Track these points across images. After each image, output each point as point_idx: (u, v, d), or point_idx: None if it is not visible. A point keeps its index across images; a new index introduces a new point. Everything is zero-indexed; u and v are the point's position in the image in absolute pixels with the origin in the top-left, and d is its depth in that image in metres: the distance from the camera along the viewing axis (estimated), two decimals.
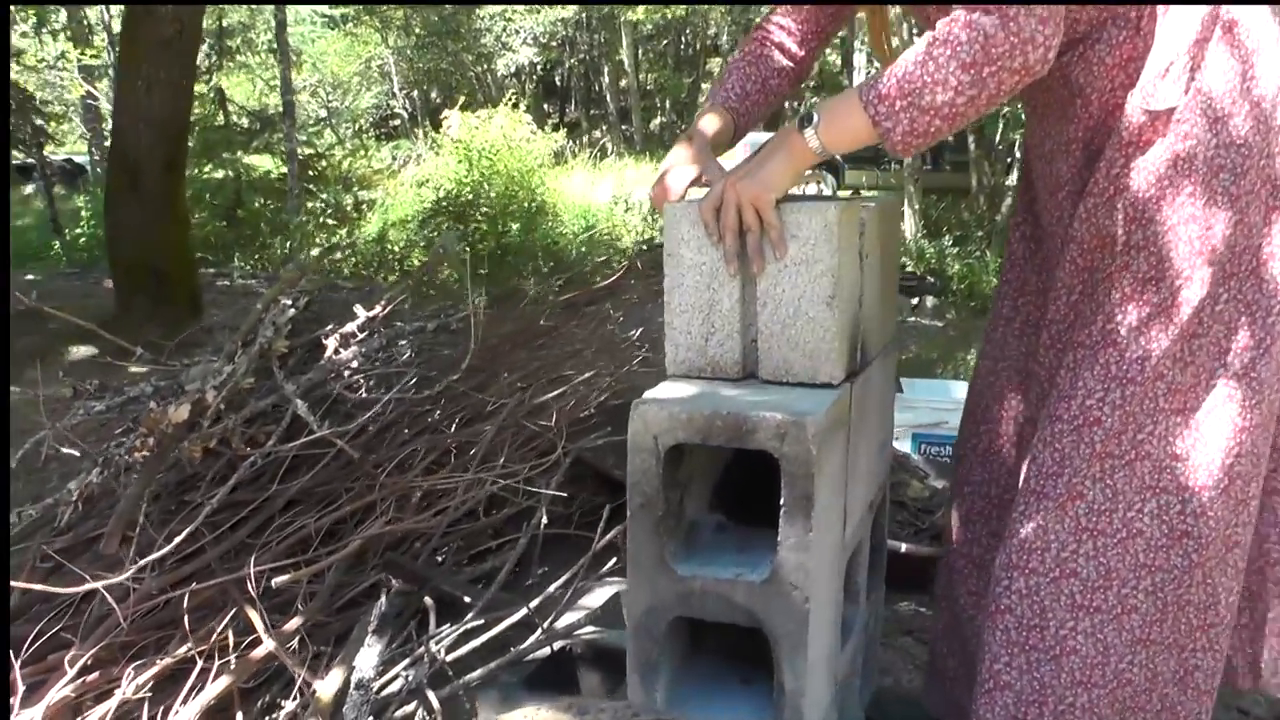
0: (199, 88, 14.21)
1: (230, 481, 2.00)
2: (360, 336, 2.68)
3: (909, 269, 13.03)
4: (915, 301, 10.17)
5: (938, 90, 1.37)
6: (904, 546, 2.66)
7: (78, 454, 2.04)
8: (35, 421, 2.15)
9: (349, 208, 14.43)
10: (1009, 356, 1.78)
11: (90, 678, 1.63)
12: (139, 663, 1.66)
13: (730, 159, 1.79)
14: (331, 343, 2.59)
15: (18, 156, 18.42)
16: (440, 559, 2.41)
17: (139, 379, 2.33)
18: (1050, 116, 1.64)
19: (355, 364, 2.57)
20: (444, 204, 12.09)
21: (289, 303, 2.51)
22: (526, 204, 12.38)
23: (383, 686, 1.88)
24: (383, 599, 1.88)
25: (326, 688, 1.77)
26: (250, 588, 1.80)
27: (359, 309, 2.81)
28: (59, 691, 1.55)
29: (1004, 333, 1.79)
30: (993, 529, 1.77)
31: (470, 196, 11.93)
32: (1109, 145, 1.49)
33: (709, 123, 1.81)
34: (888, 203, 1.89)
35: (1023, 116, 1.65)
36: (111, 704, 1.56)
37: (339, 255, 9.33)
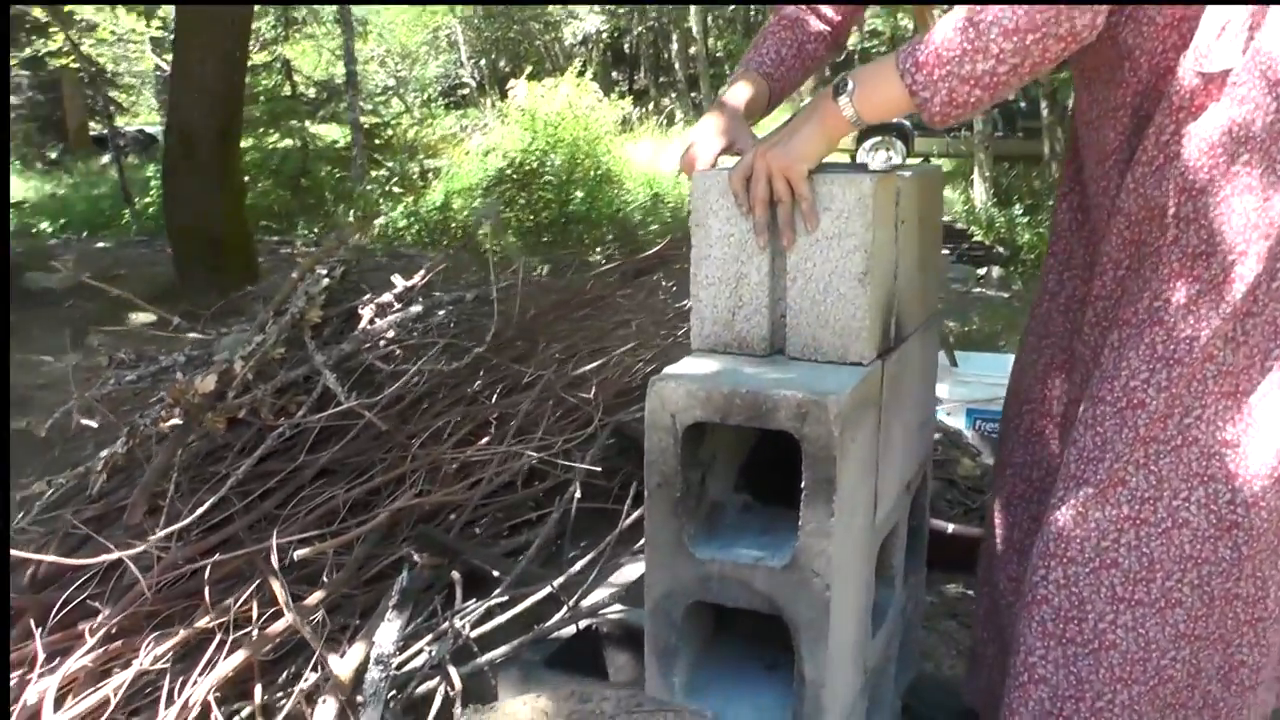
0: (263, 58, 14.40)
1: (257, 452, 1.99)
2: (397, 307, 2.65)
3: (977, 238, 12.75)
4: (982, 271, 9.92)
5: (978, 58, 1.29)
6: (951, 527, 2.57)
7: (105, 424, 2.04)
8: (72, 391, 2.16)
9: (414, 176, 14.47)
10: (1053, 334, 1.69)
11: (113, 646, 1.62)
12: (158, 633, 1.66)
13: (764, 127, 1.72)
14: (367, 312, 2.56)
15: (94, 128, 18.83)
16: (478, 530, 2.39)
17: (175, 348, 2.33)
18: (1098, 81, 1.54)
19: (391, 334, 2.54)
20: (508, 172, 12.07)
21: (324, 272, 2.48)
22: (591, 172, 12.31)
23: (405, 662, 1.86)
24: (404, 574, 1.86)
25: (346, 665, 1.75)
26: (274, 559, 1.78)
27: (397, 278, 2.78)
28: (77, 661, 1.55)
29: (1048, 308, 1.70)
30: (1034, 513, 1.69)
31: (534, 165, 11.88)
32: (1159, 111, 1.39)
33: (741, 90, 1.74)
34: (929, 171, 1.81)
35: None
36: (128, 674, 1.55)
37: (377, 225, 9.34)
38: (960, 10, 1.30)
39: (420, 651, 1.86)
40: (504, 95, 16.54)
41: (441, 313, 2.65)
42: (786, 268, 1.52)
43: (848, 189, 1.46)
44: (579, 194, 11.78)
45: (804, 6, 1.77)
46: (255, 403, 2.04)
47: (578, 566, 1.94)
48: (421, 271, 2.82)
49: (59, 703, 1.46)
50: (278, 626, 1.73)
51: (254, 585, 1.80)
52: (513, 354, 2.76)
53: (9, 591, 1.66)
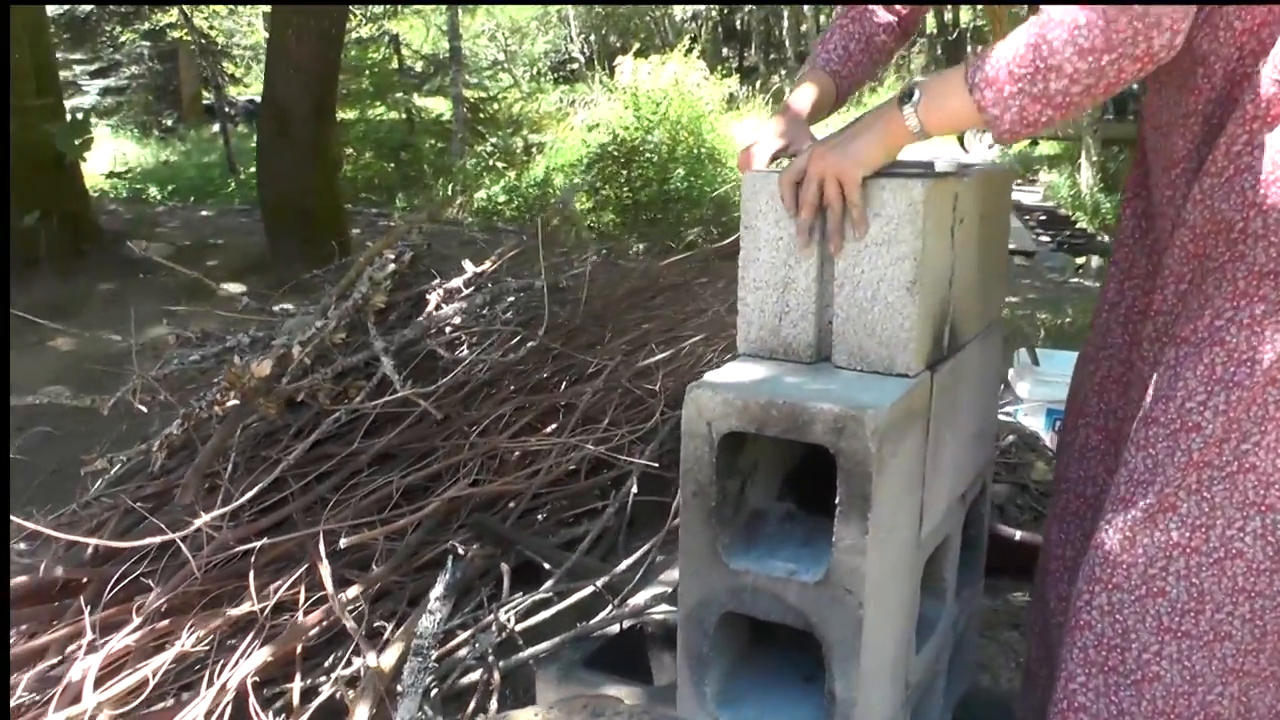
0: (370, 31, 14.63)
1: (312, 436, 2.02)
2: (465, 292, 2.66)
3: (1079, 225, 12.34)
4: (1081, 261, 9.58)
5: (1051, 77, 1.23)
6: (1018, 534, 2.50)
7: (167, 403, 2.09)
8: (146, 366, 2.22)
9: (518, 151, 14.56)
10: (1111, 345, 1.63)
11: (160, 625, 1.67)
12: (202, 614, 1.70)
13: (823, 129, 1.67)
14: (433, 298, 2.58)
15: (206, 97, 19.37)
16: (540, 519, 2.40)
17: (242, 327, 2.37)
18: (1169, 85, 1.45)
19: (457, 320, 2.55)
20: (610, 149, 12.05)
21: (390, 258, 2.50)
22: (694, 150, 12.22)
23: (449, 652, 1.87)
24: (449, 564, 1.86)
25: (387, 656, 1.77)
26: (321, 545, 1.81)
27: (467, 264, 2.79)
28: (121, 640, 1.60)
29: (1107, 319, 1.63)
30: (1086, 531, 1.62)
31: (636, 142, 11.85)
32: (1231, 120, 1.31)
33: (806, 92, 1.70)
34: (995, 171, 1.74)
35: None
36: (168, 656, 1.59)
37: (475, 200, 9.41)
38: (1033, 24, 1.24)
39: (465, 643, 1.88)
40: (611, 71, 16.56)
41: (510, 299, 2.65)
42: (835, 274, 1.47)
43: (898, 194, 1.41)
44: (680, 172, 11.71)
45: None
46: (313, 387, 2.07)
47: (624, 565, 1.93)
48: (492, 258, 2.82)
49: (99, 683, 1.51)
50: (319, 614, 1.76)
51: (302, 569, 1.83)
52: (581, 342, 2.75)
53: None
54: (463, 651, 1.87)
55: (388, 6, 15.43)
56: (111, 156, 14.34)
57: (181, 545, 1.73)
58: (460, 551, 1.90)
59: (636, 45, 15.58)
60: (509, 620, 1.91)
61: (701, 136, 12.58)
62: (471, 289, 2.69)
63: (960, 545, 1.82)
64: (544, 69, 23.71)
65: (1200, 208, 1.34)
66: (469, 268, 2.79)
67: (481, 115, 15.43)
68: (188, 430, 2.03)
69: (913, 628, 1.61)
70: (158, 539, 1.71)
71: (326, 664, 1.82)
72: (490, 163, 13.85)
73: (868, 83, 1.92)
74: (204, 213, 8.94)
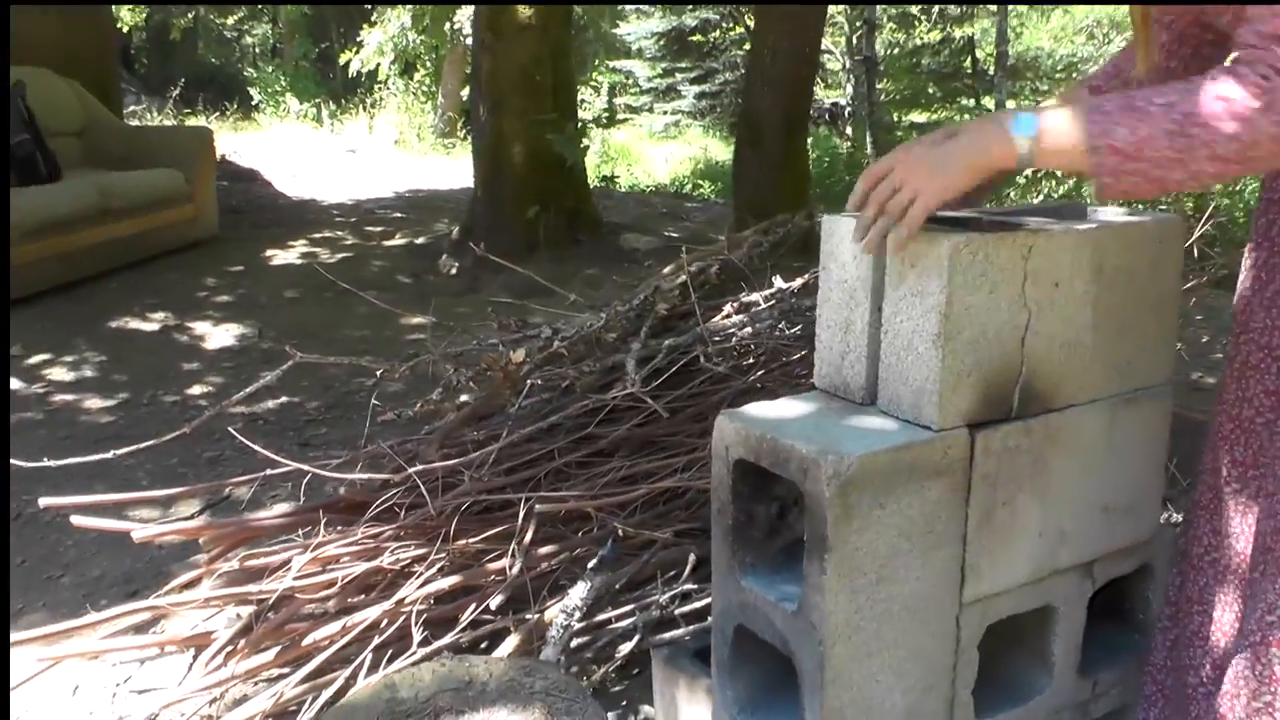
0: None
1: (550, 418, 2.36)
2: (762, 307, 2.85)
3: None
4: None
5: (1175, 169, 1.22)
6: None
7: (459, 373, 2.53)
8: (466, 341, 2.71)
9: None
10: (1226, 400, 1.50)
11: (366, 546, 2.10)
12: (404, 544, 2.11)
13: None
14: (727, 308, 2.81)
15: None
16: None
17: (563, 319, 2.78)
18: None
19: (748, 331, 2.76)
20: None
21: (693, 268, 2.77)
22: None
23: (607, 621, 2.13)
24: (609, 544, 2.11)
25: (552, 611, 2.07)
26: (529, 509, 2.15)
27: (778, 279, 2.98)
28: (331, 547, 2.05)
29: (1225, 373, 1.49)
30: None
31: None
32: None
33: None
34: (1138, 225, 1.60)
35: None
36: (360, 568, 2.02)
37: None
38: (1176, 104, 1.20)
39: (626, 615, 2.12)
40: None
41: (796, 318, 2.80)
42: (882, 320, 1.51)
43: (931, 246, 1.41)
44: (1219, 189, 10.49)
45: None
46: (563, 376, 2.41)
47: None
48: (805, 276, 2.98)
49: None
50: (506, 562, 2.10)
51: (511, 526, 2.18)
52: None
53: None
54: (625, 623, 2.12)
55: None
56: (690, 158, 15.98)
57: (420, 485, 2.17)
58: (620, 533, 2.13)
59: None
60: (670, 603, 2.12)
61: None
62: (772, 303, 2.87)
63: (1083, 622, 1.70)
64: None
65: None
66: (778, 283, 2.97)
67: None
68: (443, 399, 2.48)
69: (956, 687, 1.57)
70: (401, 475, 2.15)
71: (507, 614, 2.16)
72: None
73: None
74: (690, 207, 9.68)
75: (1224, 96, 1.16)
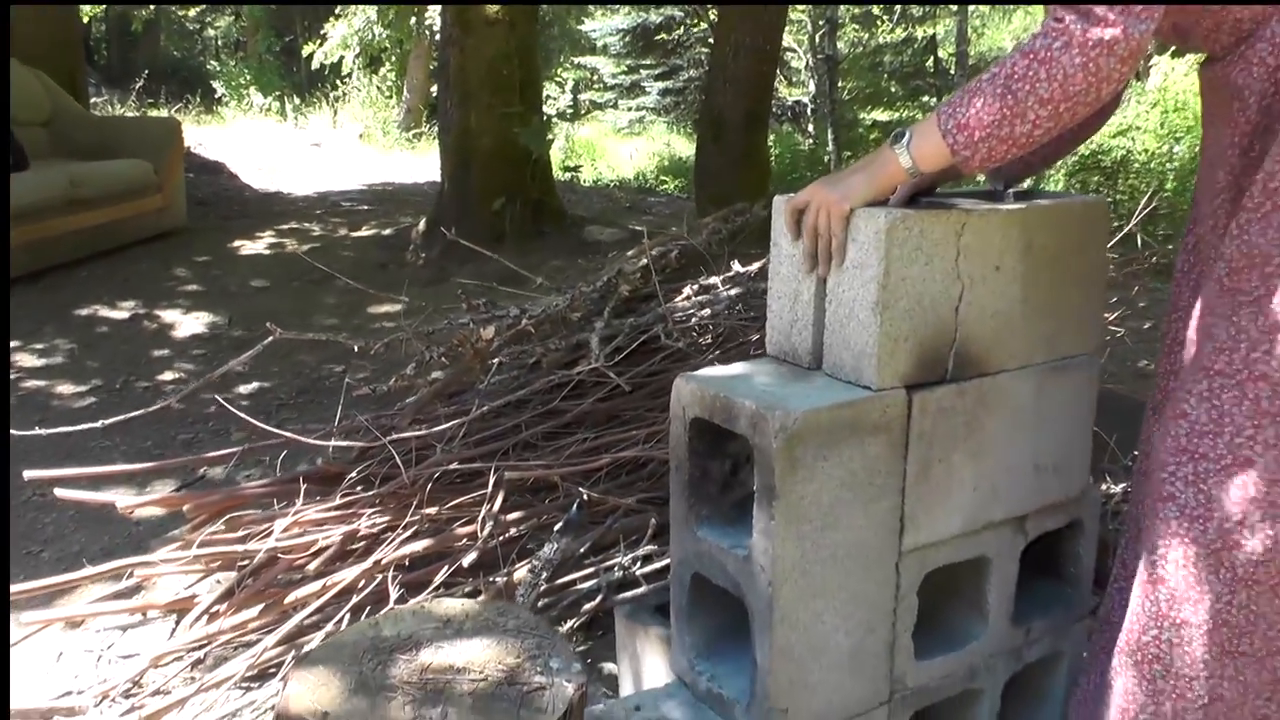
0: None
1: (519, 393, 2.48)
2: (721, 290, 2.98)
3: None
4: None
5: (1016, 122, 1.41)
6: None
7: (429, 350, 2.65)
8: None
9: None
10: (1159, 375, 1.67)
11: (343, 511, 2.21)
12: (378, 509, 2.22)
13: None
14: (687, 290, 2.93)
15: None
16: None
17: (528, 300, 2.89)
18: (1216, 120, 1.48)
19: (694, 314, 2.88)
20: (1091, 159, 11.36)
21: (655, 252, 2.89)
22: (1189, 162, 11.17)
23: (574, 582, 2.25)
24: (574, 508, 2.23)
25: (520, 573, 2.19)
26: (497, 476, 2.27)
27: (735, 264, 3.10)
28: (312, 510, 2.15)
29: (1160, 350, 1.67)
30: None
31: (1122, 153, 11.09)
32: (1270, 156, 1.33)
33: None
34: (1067, 205, 1.74)
35: None
36: (339, 532, 2.13)
37: None
38: (998, 76, 1.40)
39: (590, 576, 2.24)
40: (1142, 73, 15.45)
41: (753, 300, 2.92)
42: (827, 291, 1.63)
43: (867, 223, 1.54)
44: (1170, 185, 10.75)
45: None
46: (530, 353, 2.53)
47: None
48: (761, 261, 3.11)
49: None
50: (475, 528, 2.21)
51: (479, 495, 2.30)
52: None
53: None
54: (589, 584, 2.24)
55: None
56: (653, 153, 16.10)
57: (394, 454, 2.28)
58: (585, 497, 2.25)
59: (1173, 47, 14.28)
60: (632, 564, 2.24)
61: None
62: (730, 286, 3.00)
63: (1015, 573, 1.84)
64: None
65: (1236, 242, 1.37)
66: (736, 267, 3.09)
67: None
68: (416, 374, 2.59)
69: (897, 630, 1.70)
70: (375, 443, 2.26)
71: (478, 578, 2.28)
72: None
73: None
74: (653, 201, 9.80)
75: (1030, 50, 1.36)
